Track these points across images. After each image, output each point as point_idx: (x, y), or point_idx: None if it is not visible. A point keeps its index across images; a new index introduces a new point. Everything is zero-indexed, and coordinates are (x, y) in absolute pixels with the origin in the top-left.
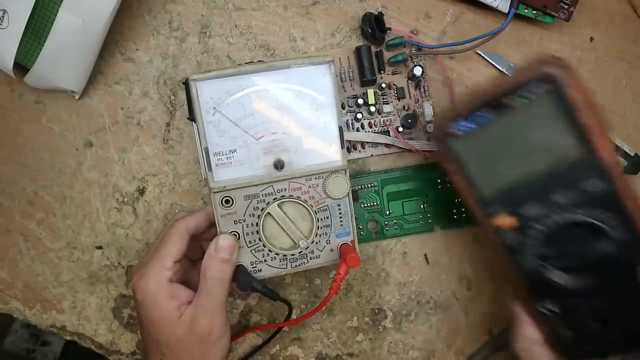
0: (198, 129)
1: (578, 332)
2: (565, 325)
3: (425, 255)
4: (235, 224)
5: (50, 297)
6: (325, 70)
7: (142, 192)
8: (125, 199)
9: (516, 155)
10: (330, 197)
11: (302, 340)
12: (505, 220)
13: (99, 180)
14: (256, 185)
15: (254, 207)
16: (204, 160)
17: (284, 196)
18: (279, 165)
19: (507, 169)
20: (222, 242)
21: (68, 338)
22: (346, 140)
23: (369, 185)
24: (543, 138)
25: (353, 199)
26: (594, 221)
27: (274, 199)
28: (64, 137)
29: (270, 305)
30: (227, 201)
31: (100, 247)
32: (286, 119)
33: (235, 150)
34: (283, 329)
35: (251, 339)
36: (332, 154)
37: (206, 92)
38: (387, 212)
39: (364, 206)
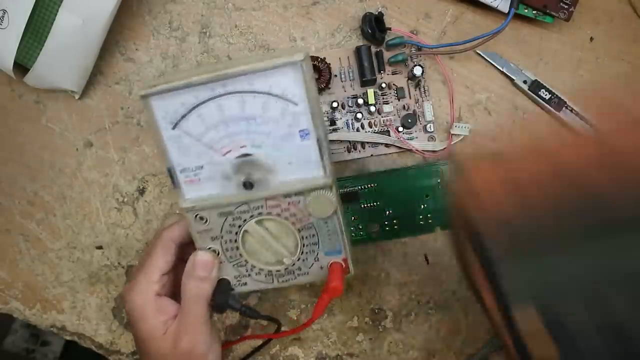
0: (157, 147)
1: None
2: None
3: (425, 255)
4: (212, 240)
5: (50, 297)
6: (294, 72)
7: (142, 192)
8: (125, 199)
9: None
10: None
11: (302, 340)
12: None
13: (99, 180)
14: (228, 204)
15: (229, 224)
16: (170, 179)
17: (261, 213)
18: (247, 184)
19: None
20: (199, 260)
21: (68, 338)
22: (346, 141)
23: (369, 185)
24: None
25: (353, 199)
26: None
27: (250, 216)
28: (64, 137)
29: (270, 305)
30: (201, 218)
31: (100, 247)
32: (254, 130)
33: (202, 167)
34: (283, 328)
35: (251, 340)
36: (311, 169)
37: (160, 106)
38: (387, 212)
39: (364, 206)
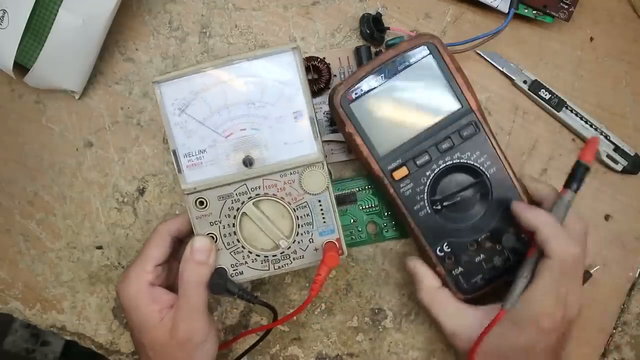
0: (165, 131)
1: (467, 266)
2: (457, 262)
3: None
4: (211, 225)
5: (50, 297)
6: (289, 59)
7: (142, 192)
8: (125, 199)
9: (404, 112)
10: (308, 193)
11: (302, 340)
12: (400, 173)
13: (99, 180)
14: (229, 184)
15: (228, 208)
16: (174, 162)
17: (259, 194)
18: (247, 162)
19: (397, 126)
20: (197, 244)
21: (68, 338)
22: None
23: (367, 187)
24: (425, 95)
25: (352, 201)
26: (472, 163)
27: (248, 198)
28: (64, 137)
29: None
30: (201, 202)
31: (100, 247)
32: (254, 113)
33: (205, 150)
34: (282, 328)
35: (251, 339)
36: (305, 147)
37: (169, 93)
38: (386, 214)
39: (363, 208)
